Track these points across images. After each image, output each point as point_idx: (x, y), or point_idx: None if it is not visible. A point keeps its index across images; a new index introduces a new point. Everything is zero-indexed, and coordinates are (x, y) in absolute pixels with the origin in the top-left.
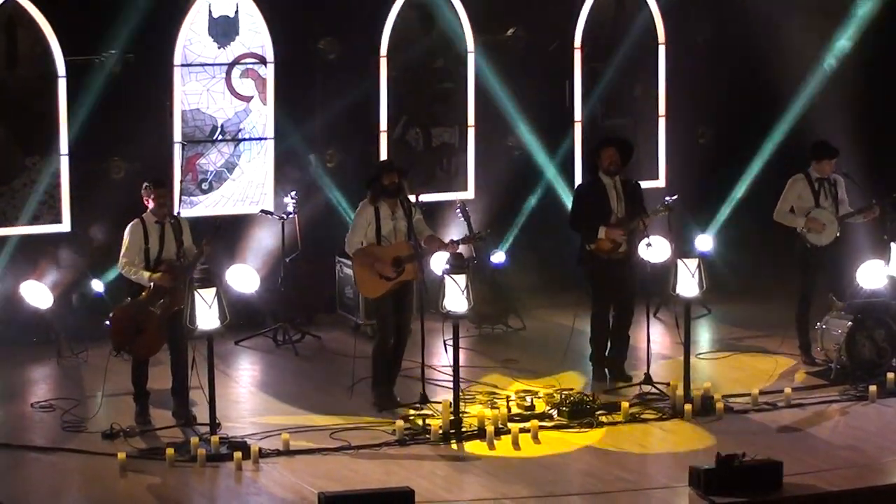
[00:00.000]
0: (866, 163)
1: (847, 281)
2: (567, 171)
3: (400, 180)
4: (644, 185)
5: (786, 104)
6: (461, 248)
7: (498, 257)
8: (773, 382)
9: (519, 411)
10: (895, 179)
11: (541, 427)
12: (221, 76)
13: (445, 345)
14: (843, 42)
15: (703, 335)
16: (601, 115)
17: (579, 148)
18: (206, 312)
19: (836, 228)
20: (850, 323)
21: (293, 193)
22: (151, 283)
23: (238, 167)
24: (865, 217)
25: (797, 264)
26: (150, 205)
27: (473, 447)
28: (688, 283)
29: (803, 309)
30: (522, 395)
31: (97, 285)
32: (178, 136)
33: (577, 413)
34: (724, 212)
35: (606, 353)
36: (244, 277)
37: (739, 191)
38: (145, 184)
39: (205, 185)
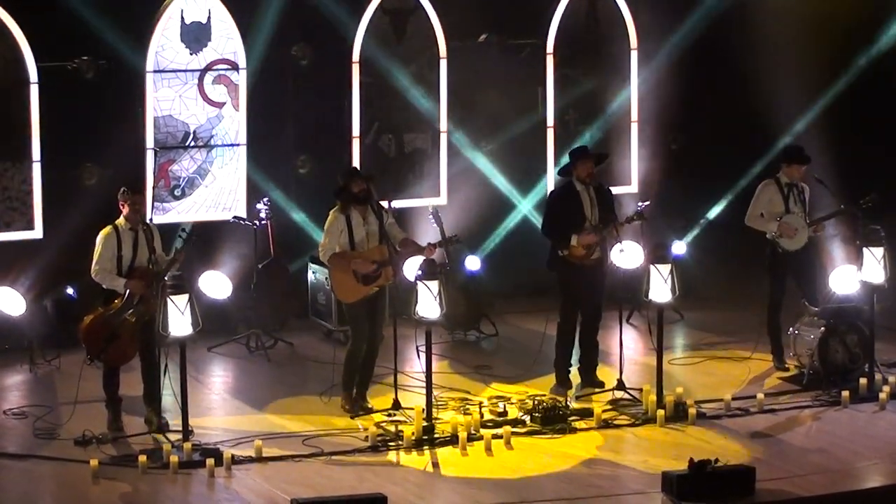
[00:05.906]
0: (838, 169)
1: (817, 286)
2: (539, 176)
3: (368, 186)
4: (616, 190)
5: (759, 110)
6: (433, 254)
7: (473, 264)
8: (746, 388)
9: (491, 417)
10: (868, 183)
11: (513, 433)
12: (194, 82)
13: (418, 351)
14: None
15: (676, 341)
16: (573, 120)
17: (552, 153)
18: (179, 319)
19: (806, 234)
20: (822, 328)
21: (266, 200)
22: (126, 291)
23: (210, 173)
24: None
25: (767, 269)
26: (125, 210)
27: (446, 453)
28: (660, 288)
29: (774, 314)
30: (495, 401)
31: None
32: (150, 142)
33: (550, 419)
34: (696, 217)
35: (579, 359)
36: (217, 284)
37: (711, 197)
38: (123, 189)
39: (177, 192)
